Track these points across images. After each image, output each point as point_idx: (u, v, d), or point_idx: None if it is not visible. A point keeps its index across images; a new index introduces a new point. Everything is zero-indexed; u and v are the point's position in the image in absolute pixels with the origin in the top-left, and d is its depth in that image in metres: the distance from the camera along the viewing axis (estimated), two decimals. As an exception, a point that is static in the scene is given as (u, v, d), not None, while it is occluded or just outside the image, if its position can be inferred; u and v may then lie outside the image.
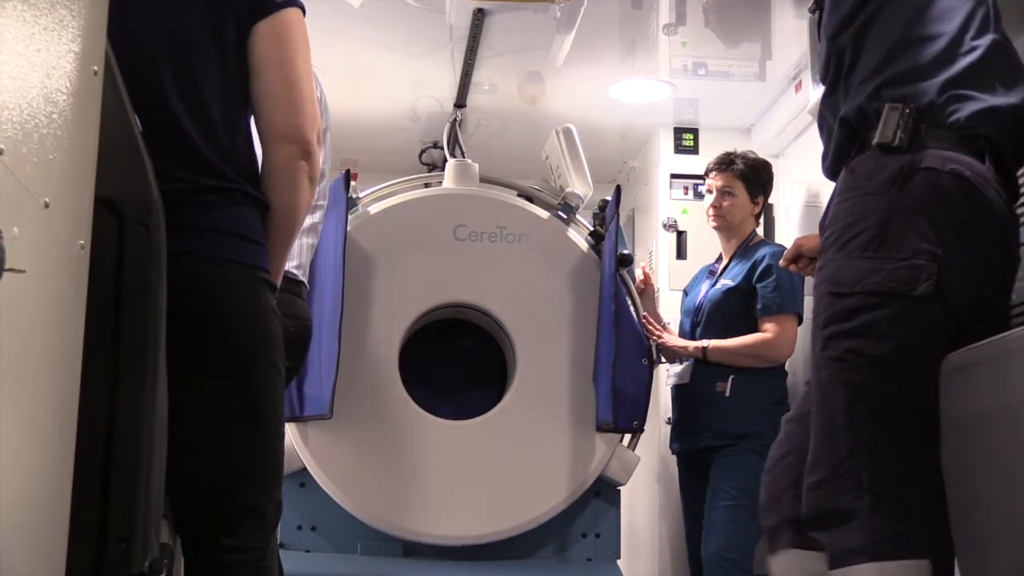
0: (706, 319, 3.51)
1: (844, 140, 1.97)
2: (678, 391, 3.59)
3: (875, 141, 1.87)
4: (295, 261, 2.58)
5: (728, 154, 3.60)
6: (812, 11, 2.25)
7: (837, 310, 1.87)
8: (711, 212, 3.58)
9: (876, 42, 1.98)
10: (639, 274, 3.72)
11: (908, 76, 1.91)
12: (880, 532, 1.75)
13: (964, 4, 1.99)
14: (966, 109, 1.88)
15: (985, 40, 1.96)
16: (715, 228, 3.61)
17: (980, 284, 1.87)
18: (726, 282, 3.50)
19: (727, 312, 3.47)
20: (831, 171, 2.06)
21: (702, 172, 3.72)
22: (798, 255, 2.31)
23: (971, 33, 1.96)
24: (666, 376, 3.72)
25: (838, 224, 1.89)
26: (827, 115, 2.07)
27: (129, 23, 1.71)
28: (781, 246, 3.57)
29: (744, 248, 3.55)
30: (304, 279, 2.61)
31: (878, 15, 2.00)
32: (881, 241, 1.82)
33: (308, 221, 2.62)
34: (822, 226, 2.02)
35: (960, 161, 1.84)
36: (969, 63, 1.92)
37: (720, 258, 3.65)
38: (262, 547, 1.79)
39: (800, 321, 3.41)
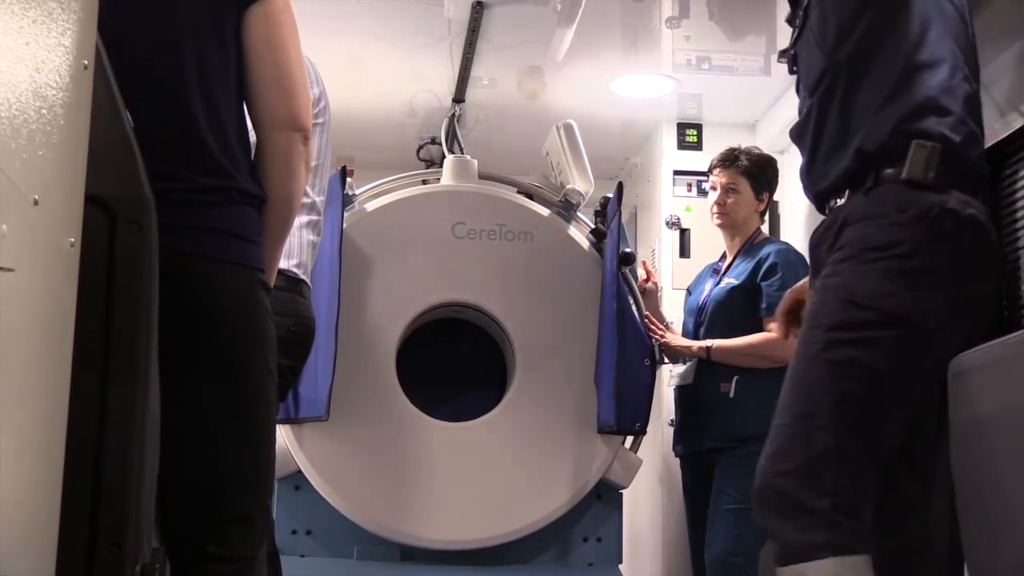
0: (710, 318, 3.51)
1: (857, 167, 2.03)
2: (681, 392, 3.59)
3: (904, 177, 1.96)
4: (295, 259, 2.57)
5: (732, 150, 3.60)
6: (790, 21, 2.29)
7: (848, 318, 1.94)
8: (715, 209, 3.58)
9: (882, 64, 2.03)
10: (641, 272, 3.72)
11: (927, 108, 1.99)
12: (840, 529, 1.86)
13: (943, 22, 2.06)
14: (976, 148, 2.02)
15: (964, 65, 2.06)
16: (719, 226, 3.61)
17: (984, 320, 1.99)
18: (730, 281, 3.50)
19: (731, 311, 3.47)
20: (828, 190, 2.10)
21: (706, 169, 3.71)
22: (797, 307, 2.38)
23: (961, 58, 2.05)
24: (669, 377, 3.72)
25: (858, 245, 1.98)
26: (817, 128, 2.11)
27: (144, 8, 1.72)
28: (786, 244, 3.58)
29: (749, 246, 3.55)
30: (306, 278, 2.61)
31: (878, 33, 2.05)
32: (902, 270, 1.92)
33: (307, 218, 2.63)
34: (818, 242, 2.10)
35: (975, 205, 1.97)
36: (966, 93, 2.02)
37: (724, 256, 3.65)
38: (251, 557, 1.77)
39: (806, 320, 3.41)
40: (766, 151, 3.71)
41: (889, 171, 1.98)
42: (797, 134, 2.21)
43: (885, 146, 1.99)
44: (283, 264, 2.54)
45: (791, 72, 2.27)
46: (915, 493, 2.04)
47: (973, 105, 2.04)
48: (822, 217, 2.16)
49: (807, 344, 1.98)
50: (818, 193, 2.14)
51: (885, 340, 1.91)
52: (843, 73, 2.06)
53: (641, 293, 3.64)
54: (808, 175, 2.16)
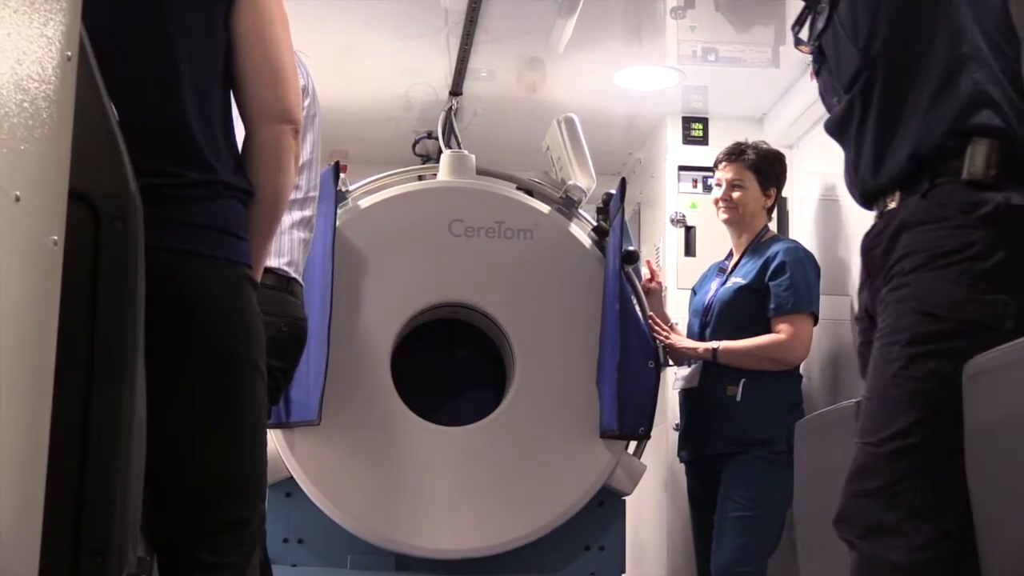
0: (716, 319, 3.51)
1: (912, 170, 2.03)
2: (686, 395, 3.59)
3: (965, 177, 1.96)
4: (286, 257, 2.57)
5: (739, 144, 3.60)
6: (808, 8, 2.29)
7: (926, 331, 1.94)
8: (721, 205, 3.58)
9: (923, 56, 2.02)
10: (645, 272, 3.72)
11: (980, 102, 1.98)
12: (922, 552, 1.87)
13: (982, 8, 2.05)
14: None
15: (1010, 53, 2.05)
16: (725, 222, 3.61)
17: None
18: (737, 280, 3.50)
19: (738, 312, 3.47)
20: (877, 192, 2.10)
21: (712, 164, 3.71)
22: None
23: (1006, 45, 2.04)
24: (673, 379, 3.72)
25: (926, 252, 1.97)
26: (860, 125, 2.10)
27: None
28: (795, 242, 3.58)
29: (756, 244, 3.55)
30: (298, 276, 2.61)
31: (914, 24, 2.04)
32: (976, 272, 1.92)
33: (299, 215, 2.63)
34: (872, 245, 2.08)
35: None
36: (1015, 82, 2.01)
37: (730, 255, 3.65)
38: (243, 564, 1.77)
39: (815, 321, 3.41)
40: (775, 146, 3.71)
41: (947, 172, 1.98)
42: (837, 130, 2.20)
43: (941, 148, 1.99)
44: (274, 262, 2.54)
45: (815, 63, 2.25)
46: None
47: (1022, 94, 2.02)
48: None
49: (887, 361, 1.98)
50: (866, 193, 2.14)
51: (966, 349, 1.88)
52: (880, 68, 2.06)
53: (645, 293, 3.64)
54: (855, 172, 2.16)
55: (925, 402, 1.91)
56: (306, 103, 2.63)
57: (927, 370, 1.92)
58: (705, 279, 3.72)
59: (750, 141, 3.63)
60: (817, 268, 3.46)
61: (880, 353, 2.00)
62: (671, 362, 3.64)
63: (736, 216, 3.56)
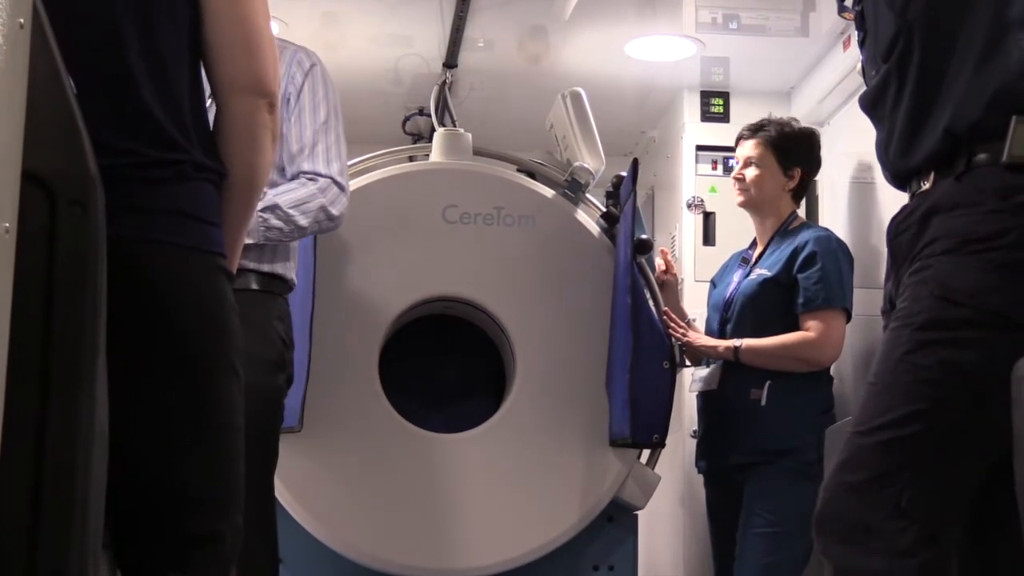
0: (738, 315, 3.50)
1: (946, 149, 2.02)
2: (705, 399, 3.59)
3: (1005, 160, 1.95)
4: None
5: (762, 120, 3.60)
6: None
7: (942, 316, 1.93)
8: (734, 185, 3.59)
9: (965, 22, 2.01)
10: (659, 263, 3.72)
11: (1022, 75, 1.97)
12: (905, 558, 1.86)
13: None
14: None
15: None
16: (740, 205, 3.61)
17: None
18: (761, 272, 3.49)
19: (762, 307, 3.46)
20: (911, 171, 2.10)
21: (733, 144, 3.71)
22: None
23: None
24: (690, 381, 3.72)
25: (956, 237, 1.96)
26: (895, 99, 2.10)
27: None
28: (826, 230, 3.56)
29: (783, 232, 3.54)
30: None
31: None
32: (1007, 262, 1.91)
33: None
34: (899, 230, 2.08)
35: None
36: None
37: (754, 244, 3.64)
38: None
39: (848, 318, 3.41)
40: (804, 123, 3.70)
41: (984, 153, 1.97)
42: (871, 105, 2.20)
43: (979, 124, 1.98)
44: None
45: (860, 32, 2.25)
46: (1011, 519, 2.01)
47: None
48: (865, 199, 2.16)
49: (894, 345, 1.98)
50: (898, 173, 2.14)
51: (982, 341, 1.90)
52: (918, 34, 2.05)
53: (659, 286, 3.64)
54: (886, 152, 2.16)
55: (929, 393, 1.91)
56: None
57: (937, 359, 1.92)
58: (726, 270, 3.72)
59: (775, 117, 3.62)
60: (851, 259, 3.45)
61: (890, 335, 2.01)
62: (688, 363, 3.63)
63: (750, 199, 3.56)
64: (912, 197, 2.10)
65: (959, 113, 2.00)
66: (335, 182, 2.75)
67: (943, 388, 1.90)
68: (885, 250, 3.46)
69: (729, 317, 3.54)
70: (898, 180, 2.15)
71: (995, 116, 1.96)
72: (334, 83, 2.86)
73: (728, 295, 3.57)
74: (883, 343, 2.02)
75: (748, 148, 3.56)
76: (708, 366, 3.57)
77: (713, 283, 3.78)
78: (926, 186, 2.05)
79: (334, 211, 2.74)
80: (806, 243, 3.43)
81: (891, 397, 1.95)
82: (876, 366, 2.01)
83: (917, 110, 2.06)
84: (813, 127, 3.70)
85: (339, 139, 2.81)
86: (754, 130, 3.57)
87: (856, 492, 1.91)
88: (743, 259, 3.65)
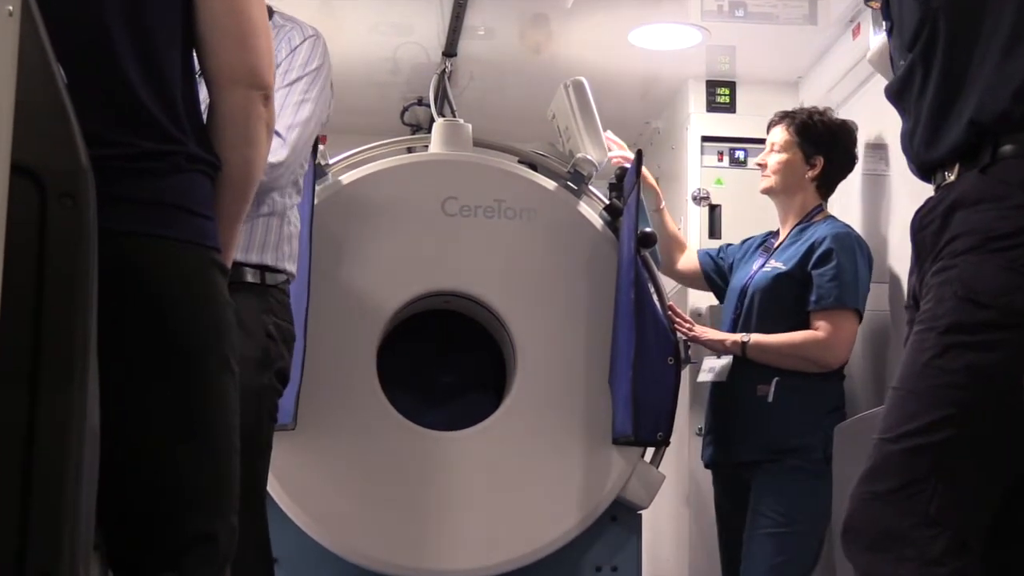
0: (751, 307, 3.48)
1: (971, 140, 2.01)
2: (715, 391, 3.58)
3: None
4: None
5: (796, 108, 3.61)
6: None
7: (966, 319, 1.92)
8: (762, 171, 3.59)
9: (991, 7, 2.00)
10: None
11: None
12: (936, 567, 1.85)
13: None
14: None
15: None
16: (762, 191, 3.61)
17: None
18: (777, 265, 3.47)
19: (775, 302, 3.44)
20: (935, 163, 2.10)
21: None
22: None
23: None
24: (700, 371, 3.70)
25: (979, 234, 1.95)
26: (921, 89, 2.09)
27: None
28: (847, 226, 3.52)
29: (803, 224, 3.52)
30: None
31: None
32: None
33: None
34: (922, 225, 2.07)
35: None
36: None
37: (778, 233, 3.62)
38: None
39: (860, 319, 3.39)
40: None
41: (1011, 144, 1.96)
42: (897, 95, 2.18)
43: (1006, 114, 1.97)
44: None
45: (887, 21, 2.24)
46: None
47: None
48: (877, 192, 2.15)
49: (920, 349, 1.97)
50: (922, 165, 2.13)
51: (1009, 343, 1.88)
52: (943, 22, 2.04)
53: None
54: (911, 143, 2.15)
55: (958, 398, 1.90)
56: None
57: (964, 363, 1.91)
58: (747, 256, 3.69)
59: (809, 107, 3.64)
60: (869, 258, 3.42)
61: (914, 340, 2.00)
62: (692, 359, 3.63)
63: (769, 186, 3.55)
64: (937, 190, 2.09)
65: (984, 103, 1.99)
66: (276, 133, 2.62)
67: (970, 393, 1.90)
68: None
69: (744, 309, 3.53)
70: (923, 171, 2.14)
71: (1021, 106, 1.95)
72: (328, 56, 2.80)
73: (743, 284, 3.55)
74: (908, 347, 2.01)
75: (774, 134, 3.57)
76: (719, 355, 3.55)
77: (731, 266, 3.73)
78: (951, 178, 2.04)
79: (272, 159, 2.56)
80: (824, 239, 3.40)
81: (918, 403, 1.94)
82: (901, 370, 2.00)
83: (942, 100, 2.05)
84: (851, 121, 3.63)
85: (303, 103, 2.72)
86: (783, 116, 3.58)
87: (884, 500, 1.91)
88: (764, 247, 3.63)
